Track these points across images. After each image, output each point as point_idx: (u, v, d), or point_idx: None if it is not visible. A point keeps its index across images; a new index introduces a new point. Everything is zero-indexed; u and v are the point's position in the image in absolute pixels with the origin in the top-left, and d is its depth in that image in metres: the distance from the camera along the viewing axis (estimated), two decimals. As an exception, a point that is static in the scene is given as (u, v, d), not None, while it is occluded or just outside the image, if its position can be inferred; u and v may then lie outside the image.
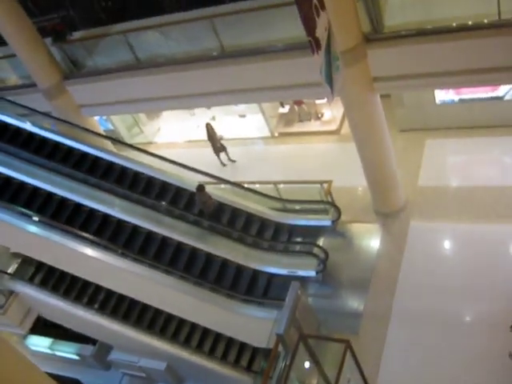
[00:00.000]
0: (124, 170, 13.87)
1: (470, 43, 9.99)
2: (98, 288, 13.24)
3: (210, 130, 16.36)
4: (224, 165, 16.84)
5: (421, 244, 12.72)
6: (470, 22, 10.04)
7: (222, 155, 16.84)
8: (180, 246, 12.93)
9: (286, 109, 17.35)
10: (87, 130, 14.39)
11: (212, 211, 12.92)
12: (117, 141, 15.68)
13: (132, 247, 12.77)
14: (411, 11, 11.00)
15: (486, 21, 9.93)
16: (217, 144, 16.57)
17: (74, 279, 13.34)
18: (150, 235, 12.99)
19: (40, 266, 13.72)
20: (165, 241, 12.96)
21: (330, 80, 9.22)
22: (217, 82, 12.46)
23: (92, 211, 13.21)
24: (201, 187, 12.53)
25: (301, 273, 12.56)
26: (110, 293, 13.17)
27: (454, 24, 10.17)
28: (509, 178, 13.19)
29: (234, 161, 16.89)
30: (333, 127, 16.50)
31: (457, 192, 13.47)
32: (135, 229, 13.06)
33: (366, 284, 12.31)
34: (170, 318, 12.94)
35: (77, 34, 15.52)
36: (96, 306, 13.14)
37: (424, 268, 12.16)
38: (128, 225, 13.09)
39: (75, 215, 13.13)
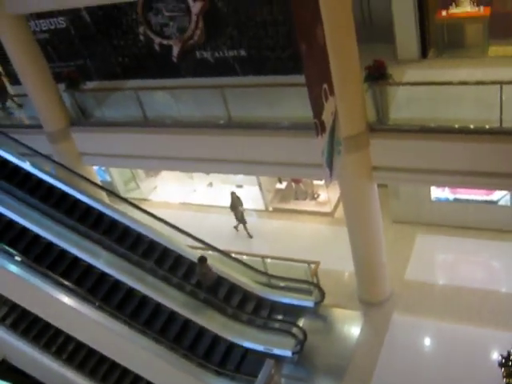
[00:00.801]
0: (127, 229, 13.73)
1: (469, 146, 10.25)
2: (69, 339, 12.89)
3: (234, 199, 16.27)
4: (237, 230, 16.73)
5: (401, 338, 12.54)
6: (471, 126, 10.34)
7: (240, 226, 16.63)
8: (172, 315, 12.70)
9: (284, 185, 17.50)
10: (85, 178, 14.40)
11: (211, 284, 12.75)
12: (113, 194, 15.65)
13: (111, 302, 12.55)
14: (416, 108, 11.31)
15: (487, 126, 10.23)
16: (238, 214, 16.42)
17: (47, 326, 12.99)
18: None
19: (13, 307, 13.38)
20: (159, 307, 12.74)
21: (330, 163, 9.36)
22: (219, 150, 12.64)
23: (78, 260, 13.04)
24: (203, 259, 12.34)
25: (277, 351, 12.32)
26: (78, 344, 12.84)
27: (457, 126, 10.45)
28: (495, 283, 13.17)
29: (251, 236, 16.56)
30: (327, 209, 16.59)
31: (442, 290, 13.41)
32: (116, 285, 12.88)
33: (342, 372, 12.03)
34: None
35: (90, 84, 15.89)
36: (53, 349, 12.81)
37: (401, 363, 11.93)
38: (111, 279, 12.91)
39: (84, 275, 12.86)
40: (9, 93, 16.56)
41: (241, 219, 16.50)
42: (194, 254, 13.27)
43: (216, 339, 12.55)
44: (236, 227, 16.71)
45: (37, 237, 13.14)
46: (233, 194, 16.36)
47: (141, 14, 15.09)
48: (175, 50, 15.24)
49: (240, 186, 18.04)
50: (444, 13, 13.22)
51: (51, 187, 14.15)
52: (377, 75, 10.66)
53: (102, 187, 15.44)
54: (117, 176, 19.24)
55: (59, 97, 14.62)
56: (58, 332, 12.90)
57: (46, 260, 12.74)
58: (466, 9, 13.06)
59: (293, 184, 17.22)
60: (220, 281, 13.20)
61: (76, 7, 15.26)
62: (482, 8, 12.97)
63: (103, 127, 14.42)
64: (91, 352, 12.75)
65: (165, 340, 12.10)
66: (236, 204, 16.34)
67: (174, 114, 13.82)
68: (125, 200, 14.77)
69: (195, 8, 14.25)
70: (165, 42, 15.26)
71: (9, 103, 16.57)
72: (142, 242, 13.53)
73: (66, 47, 17.05)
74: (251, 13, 13.63)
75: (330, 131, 9.18)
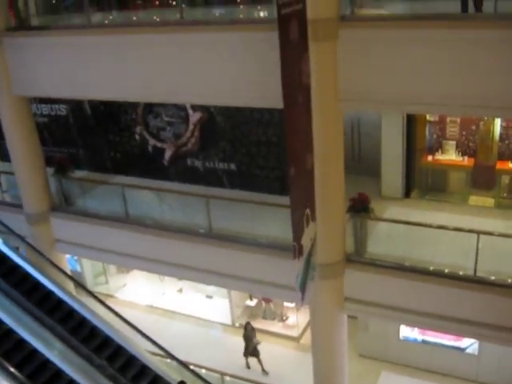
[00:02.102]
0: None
1: (443, 290, 10.28)
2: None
3: (249, 330, 15.45)
4: (249, 367, 15.56)
5: None
6: (446, 270, 10.45)
7: (253, 360, 15.50)
8: None
9: (254, 302, 17.28)
10: (55, 265, 14.12)
11: None
12: (81, 286, 15.29)
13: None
14: (394, 244, 11.48)
15: (461, 273, 10.36)
16: (250, 347, 15.43)
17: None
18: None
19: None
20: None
21: (303, 287, 9.33)
22: (195, 257, 12.55)
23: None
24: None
25: None
26: None
27: (431, 268, 10.57)
28: None
29: (266, 373, 15.31)
30: (294, 333, 16.30)
31: None
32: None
33: None
34: None
35: (78, 173, 16.02)
36: None
37: None
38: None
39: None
40: None
41: (253, 352, 15.44)
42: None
43: None
44: (247, 364, 15.59)
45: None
46: (247, 324, 15.61)
47: (141, 115, 15.58)
48: (167, 154, 15.60)
49: (210, 297, 17.81)
50: (430, 158, 13.79)
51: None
52: (360, 208, 10.89)
53: (70, 277, 15.09)
54: (88, 268, 18.97)
55: (46, 180, 14.68)
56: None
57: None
58: (451, 157, 13.64)
59: (263, 302, 17.02)
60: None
61: (80, 99, 15.75)
62: (466, 158, 13.57)
63: (83, 217, 14.37)
64: None
65: None
66: (250, 335, 15.43)
67: (156, 215, 13.88)
68: (92, 294, 14.40)
69: (194, 118, 14.75)
70: (159, 144, 15.65)
71: None
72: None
73: (62, 134, 17.37)
74: (246, 131, 14.11)
75: (306, 256, 9.24)
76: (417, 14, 10.37)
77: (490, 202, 13.23)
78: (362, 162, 14.46)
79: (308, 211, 9.08)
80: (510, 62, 8.41)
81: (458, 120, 13.49)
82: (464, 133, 13.57)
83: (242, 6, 14.48)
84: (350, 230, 11.12)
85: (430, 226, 10.81)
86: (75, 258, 18.36)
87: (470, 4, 9.61)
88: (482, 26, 8.69)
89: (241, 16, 13.70)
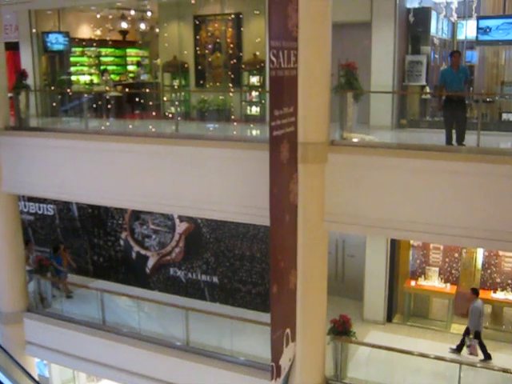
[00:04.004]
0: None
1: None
2: None
3: None
4: None
5: None
6: None
7: None
8: None
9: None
10: (22, 368, 13.53)
11: None
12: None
13: None
14: (374, 370, 11.21)
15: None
16: None
17: None
18: None
19: None
20: None
21: (279, 409, 8.99)
22: (170, 371, 12.05)
23: None
24: None
25: None
26: None
27: None
28: None
29: None
30: None
31: None
32: None
33: None
34: None
35: (58, 279, 15.77)
36: None
37: None
38: None
39: None
40: None
41: None
42: None
43: None
44: None
45: None
46: None
47: (127, 221, 15.66)
48: (150, 262, 15.54)
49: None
50: (413, 283, 13.78)
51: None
52: (341, 330, 10.72)
53: (36, 382, 14.45)
54: (56, 374, 18.12)
55: (24, 280, 14.41)
56: None
57: None
58: (434, 283, 13.65)
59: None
60: None
61: (68, 201, 15.85)
62: (448, 285, 13.57)
63: (57, 320, 13.96)
64: None
65: None
66: None
67: (133, 323, 13.52)
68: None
69: (180, 228, 14.85)
70: (143, 252, 15.61)
71: None
72: None
73: (46, 233, 17.31)
74: (231, 244, 14.19)
75: (284, 377, 8.98)
76: (404, 143, 10.84)
77: (471, 330, 13.09)
78: (345, 283, 14.43)
79: (288, 331, 8.92)
80: (491, 195, 8.67)
81: (442, 247, 13.65)
82: (447, 260, 13.68)
83: (235, 123, 15.06)
84: (331, 353, 10.89)
85: (411, 354, 10.65)
86: (44, 362, 17.63)
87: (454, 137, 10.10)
88: (465, 158, 9.03)
89: (234, 132, 14.17)
